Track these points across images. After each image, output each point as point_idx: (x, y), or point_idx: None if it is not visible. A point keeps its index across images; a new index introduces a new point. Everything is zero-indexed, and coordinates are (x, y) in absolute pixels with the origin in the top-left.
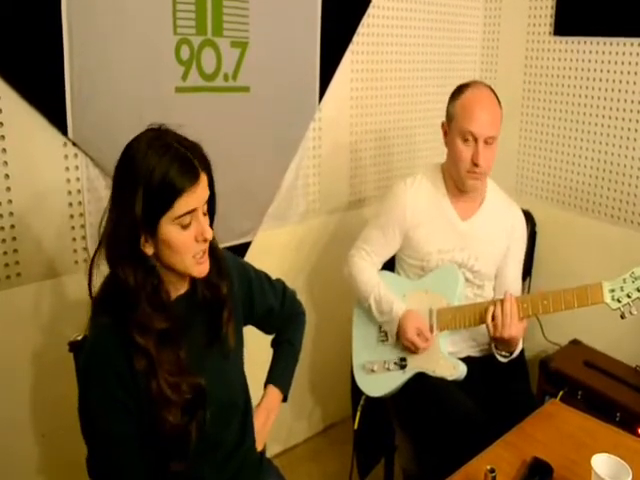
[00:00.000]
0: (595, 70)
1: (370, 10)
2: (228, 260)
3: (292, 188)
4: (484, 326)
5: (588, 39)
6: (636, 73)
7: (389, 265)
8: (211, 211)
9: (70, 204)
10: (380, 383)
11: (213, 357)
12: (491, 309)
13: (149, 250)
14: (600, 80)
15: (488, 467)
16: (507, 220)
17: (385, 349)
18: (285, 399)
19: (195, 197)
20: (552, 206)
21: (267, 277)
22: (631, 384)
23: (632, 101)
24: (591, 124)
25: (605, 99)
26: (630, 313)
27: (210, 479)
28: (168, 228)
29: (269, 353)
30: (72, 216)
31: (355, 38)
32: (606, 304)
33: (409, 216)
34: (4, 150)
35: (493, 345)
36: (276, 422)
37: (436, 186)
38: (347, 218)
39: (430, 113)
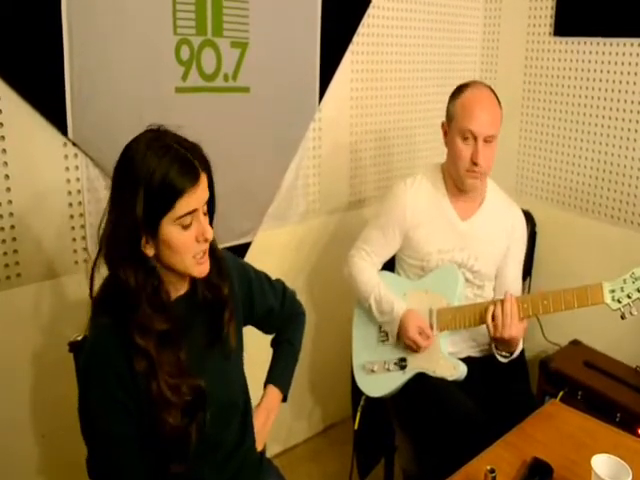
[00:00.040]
0: (595, 70)
1: (370, 10)
2: (228, 260)
3: (292, 188)
4: (484, 326)
5: (588, 39)
6: (636, 73)
7: (389, 265)
8: (210, 211)
9: (70, 204)
10: (380, 383)
11: (214, 357)
12: (491, 309)
13: (150, 251)
14: (600, 80)
15: (488, 467)
16: (507, 220)
17: (385, 349)
18: (285, 399)
19: (196, 197)
20: (552, 206)
21: (267, 277)
22: (631, 384)
23: (632, 101)
24: (591, 124)
25: (605, 99)
26: (630, 313)
27: (210, 479)
28: (169, 229)
29: (269, 353)
30: (72, 216)
31: (355, 38)
32: (606, 304)
33: (409, 216)
34: (4, 150)
35: (493, 345)
36: (276, 422)
37: (436, 186)
38: (347, 218)
39: (430, 113)
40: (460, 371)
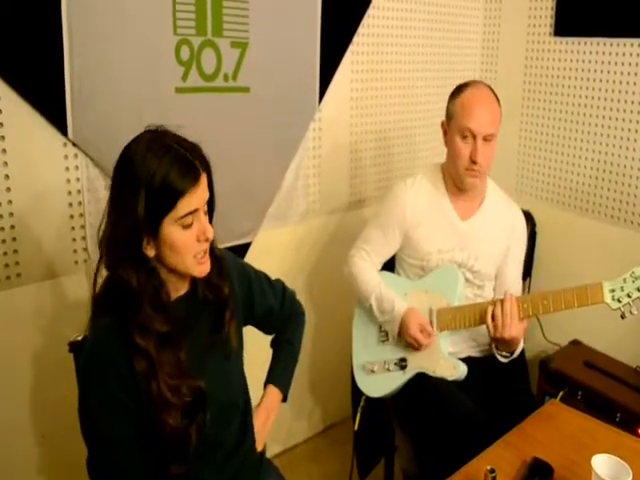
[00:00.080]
0: (595, 70)
1: (370, 10)
2: (228, 260)
3: (292, 188)
4: (484, 326)
5: (588, 40)
6: (636, 74)
7: (389, 265)
8: (210, 211)
9: (70, 204)
10: (380, 383)
11: (214, 357)
12: (490, 309)
13: (150, 252)
14: (600, 80)
15: (488, 467)
16: (507, 220)
17: (385, 349)
18: (285, 399)
19: (196, 197)
20: (552, 206)
21: (267, 277)
22: (631, 384)
23: (632, 101)
24: (591, 124)
25: (605, 99)
26: (630, 313)
27: (210, 479)
28: (170, 229)
29: (269, 353)
30: (72, 216)
31: (355, 38)
32: (606, 304)
33: (409, 216)
34: (4, 151)
35: (494, 346)
36: (276, 422)
37: (436, 186)
38: (347, 218)
39: (430, 113)
40: (460, 371)
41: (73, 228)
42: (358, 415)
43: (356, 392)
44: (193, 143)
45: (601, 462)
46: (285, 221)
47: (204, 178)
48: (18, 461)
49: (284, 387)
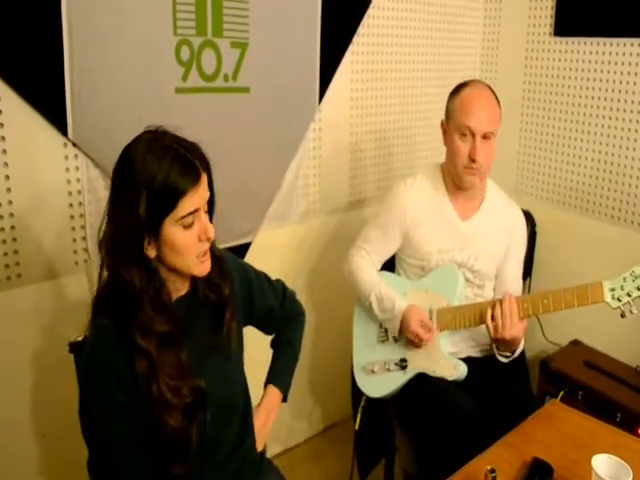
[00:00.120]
0: (595, 70)
1: (370, 11)
2: (228, 260)
3: (292, 188)
4: (484, 326)
5: (588, 39)
6: (636, 73)
7: (389, 265)
8: (210, 211)
9: (70, 205)
10: (380, 384)
11: (214, 358)
12: (490, 311)
13: (152, 252)
14: (600, 80)
15: (488, 467)
16: (507, 220)
17: (385, 349)
18: (285, 399)
19: (197, 197)
20: (552, 206)
21: (267, 278)
22: (631, 384)
23: (632, 101)
24: (591, 124)
25: (605, 99)
26: (630, 312)
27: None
28: (171, 229)
29: (269, 353)
30: (72, 217)
31: (355, 38)
32: (606, 303)
33: (409, 216)
34: (4, 151)
35: (494, 346)
36: (276, 422)
37: (436, 186)
38: (347, 218)
39: (430, 113)
40: (460, 371)
41: (73, 229)
42: (358, 415)
43: (356, 392)
44: (193, 143)
45: (601, 462)
46: (285, 221)
47: (204, 178)
48: (18, 461)
49: (284, 387)
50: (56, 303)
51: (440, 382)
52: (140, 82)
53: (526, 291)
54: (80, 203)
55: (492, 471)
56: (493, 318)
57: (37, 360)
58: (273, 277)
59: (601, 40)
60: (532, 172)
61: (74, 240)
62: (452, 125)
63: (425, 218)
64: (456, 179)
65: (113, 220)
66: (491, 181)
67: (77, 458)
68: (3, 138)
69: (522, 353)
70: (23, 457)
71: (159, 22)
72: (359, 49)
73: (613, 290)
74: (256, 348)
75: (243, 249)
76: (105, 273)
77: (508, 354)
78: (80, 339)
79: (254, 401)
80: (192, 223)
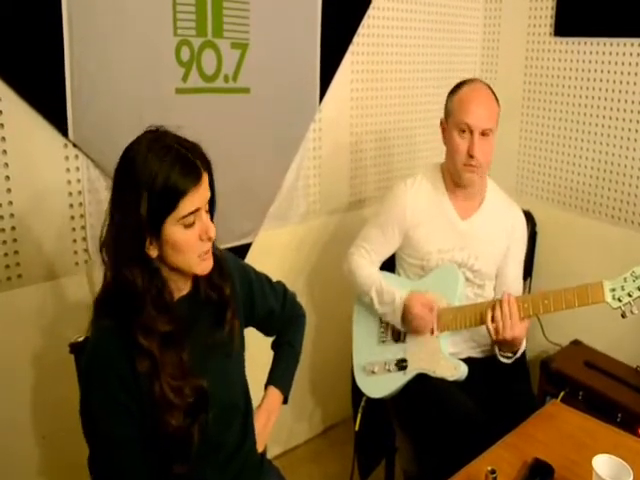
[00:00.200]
0: (595, 70)
1: (370, 11)
2: (229, 261)
3: (293, 189)
4: (484, 326)
5: (588, 40)
6: (636, 73)
7: (389, 265)
8: (211, 211)
9: (71, 205)
10: (381, 384)
11: (216, 357)
12: (489, 313)
13: (153, 252)
14: (600, 80)
15: (489, 468)
16: (507, 220)
17: (386, 350)
18: (286, 401)
19: (198, 196)
20: (552, 206)
21: (267, 279)
22: (632, 384)
23: (632, 101)
24: (591, 124)
25: (605, 99)
26: (631, 312)
27: None
28: (172, 229)
29: (269, 355)
30: (73, 217)
31: (355, 39)
32: (607, 303)
33: (409, 216)
34: (4, 152)
35: (496, 348)
36: (276, 423)
37: (435, 186)
38: (347, 219)
39: (430, 114)
40: (461, 371)
41: (74, 229)
42: (359, 416)
43: (356, 393)
44: (194, 143)
45: (602, 462)
46: (285, 221)
47: (205, 177)
48: (18, 462)
49: (285, 389)
50: (56, 304)
51: (440, 382)
52: (140, 82)
53: (527, 291)
54: (80, 204)
55: (493, 472)
56: (493, 320)
57: (37, 361)
58: (273, 278)
59: (601, 40)
60: (532, 172)
61: (74, 241)
62: (451, 123)
63: (425, 218)
64: (455, 177)
65: (114, 220)
66: (491, 181)
67: (77, 459)
68: (3, 139)
69: (523, 353)
70: (23, 458)
71: (159, 23)
72: (359, 49)
73: (614, 290)
74: (257, 350)
75: (244, 249)
76: (108, 273)
77: (510, 355)
78: (81, 340)
79: (255, 402)
80: (193, 222)
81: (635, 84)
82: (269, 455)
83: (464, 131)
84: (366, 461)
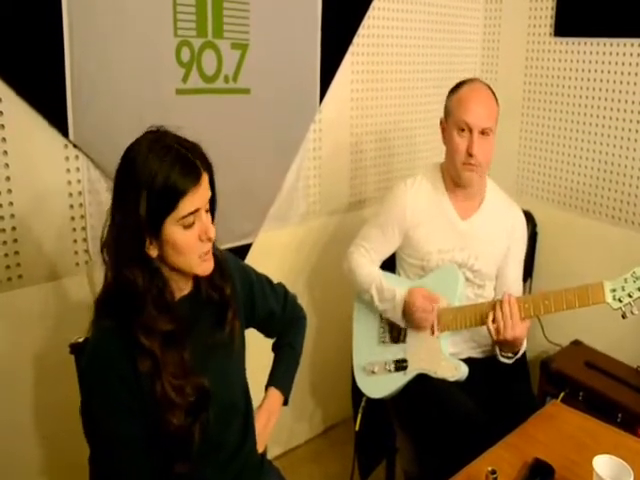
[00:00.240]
0: (595, 71)
1: (370, 12)
2: (229, 262)
3: (293, 189)
4: (485, 327)
5: (588, 40)
6: (636, 74)
7: (389, 266)
8: (212, 211)
9: (71, 206)
10: (381, 384)
11: (216, 357)
12: (490, 314)
13: (153, 252)
14: (600, 81)
15: (489, 468)
16: (507, 220)
17: (386, 350)
18: (286, 402)
19: (198, 197)
20: (552, 207)
21: (268, 281)
22: (632, 385)
23: (632, 102)
24: (591, 124)
25: (605, 100)
26: (631, 313)
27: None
28: (172, 229)
29: (270, 357)
30: (73, 218)
31: (355, 39)
32: (607, 304)
33: (409, 216)
34: (5, 152)
35: (497, 349)
36: (277, 423)
37: (435, 186)
38: (347, 219)
39: (430, 114)
40: (461, 372)
41: (74, 230)
42: (359, 416)
43: (357, 393)
44: (194, 143)
45: (602, 463)
46: (286, 222)
47: (205, 178)
48: (19, 462)
49: (285, 390)
50: (57, 304)
51: (441, 383)
52: (140, 83)
53: (527, 292)
54: (81, 204)
55: (493, 472)
56: (494, 320)
57: (38, 361)
58: (273, 278)
59: (601, 40)
60: (532, 172)
61: (75, 241)
62: (450, 122)
63: (425, 218)
64: (455, 177)
65: (115, 220)
66: (491, 181)
67: (78, 459)
68: (4, 139)
69: (523, 354)
70: (24, 458)
71: (159, 23)
72: (359, 50)
73: (614, 291)
74: (257, 352)
75: (244, 250)
76: (108, 273)
77: (510, 355)
78: (81, 340)
79: (255, 404)
80: (193, 223)
81: (635, 84)
82: (269, 455)
83: (463, 130)
84: (366, 461)
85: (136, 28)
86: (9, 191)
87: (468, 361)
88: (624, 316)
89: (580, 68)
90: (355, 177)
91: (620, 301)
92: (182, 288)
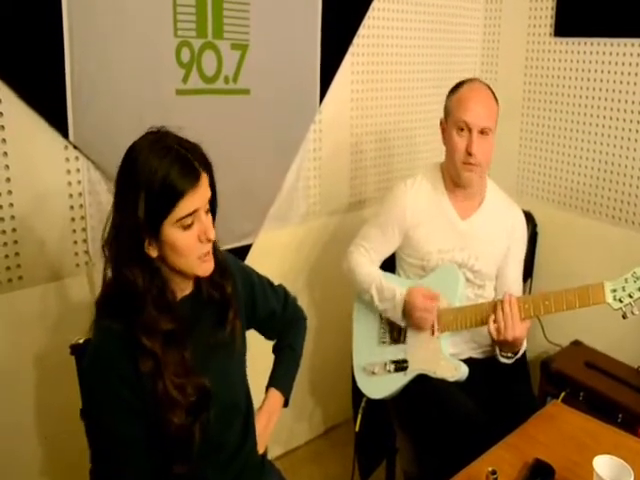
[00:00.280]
0: (595, 71)
1: (370, 12)
2: (230, 262)
3: (293, 190)
4: (485, 327)
5: (588, 40)
6: (636, 74)
7: (389, 266)
8: (213, 211)
9: (71, 207)
10: (381, 385)
11: (217, 357)
12: (491, 314)
13: (153, 253)
14: (600, 81)
15: (490, 469)
16: (507, 220)
17: (386, 350)
18: (286, 403)
19: (197, 198)
20: (553, 207)
21: (269, 282)
22: (632, 385)
23: (632, 102)
24: (591, 124)
25: (605, 100)
26: (632, 313)
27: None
28: (171, 230)
29: (270, 359)
30: (73, 219)
31: (355, 40)
32: (608, 304)
33: (409, 216)
34: (5, 153)
35: (497, 349)
36: (277, 424)
37: (435, 186)
38: (347, 219)
39: (430, 114)
40: (461, 372)
41: (74, 231)
42: (359, 416)
43: (357, 393)
44: (194, 144)
45: (603, 463)
46: (286, 222)
47: (205, 178)
48: (20, 463)
49: (286, 391)
50: (58, 305)
51: (441, 383)
52: (140, 84)
53: (527, 292)
54: (81, 205)
55: (493, 472)
56: (494, 320)
57: (39, 362)
58: (274, 278)
59: (601, 40)
60: (532, 172)
61: (75, 242)
62: (450, 122)
63: (425, 218)
64: (455, 176)
65: (115, 220)
66: (491, 181)
67: (79, 460)
68: (4, 140)
69: (523, 354)
70: (25, 459)
71: (159, 24)
72: (359, 50)
73: (615, 291)
74: (257, 354)
75: (244, 250)
76: (109, 274)
77: (510, 355)
78: (81, 341)
79: (255, 405)
80: (191, 224)
81: (635, 84)
82: (270, 456)
83: (463, 129)
84: (367, 462)
85: (136, 28)
86: (9, 192)
87: (468, 361)
88: (624, 316)
89: (580, 68)
90: (355, 177)
91: (621, 301)
92: (183, 288)
